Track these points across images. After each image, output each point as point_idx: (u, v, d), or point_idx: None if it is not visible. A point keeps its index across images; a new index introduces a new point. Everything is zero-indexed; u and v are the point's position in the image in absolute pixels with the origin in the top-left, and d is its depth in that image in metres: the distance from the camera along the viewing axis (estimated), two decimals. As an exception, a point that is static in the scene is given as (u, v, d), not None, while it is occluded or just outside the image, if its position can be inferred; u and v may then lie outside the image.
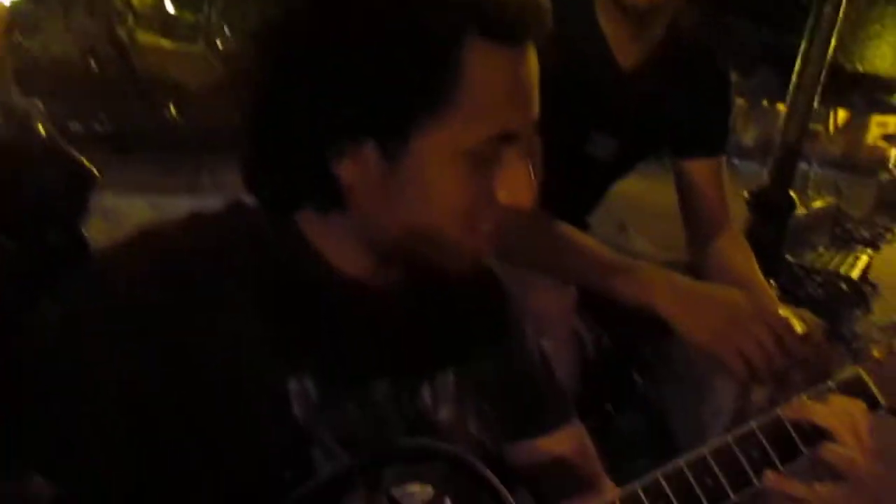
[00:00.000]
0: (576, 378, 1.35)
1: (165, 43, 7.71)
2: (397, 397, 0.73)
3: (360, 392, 0.71)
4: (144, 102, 5.99)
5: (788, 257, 4.67)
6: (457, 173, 0.65)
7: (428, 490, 0.68)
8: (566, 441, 0.85)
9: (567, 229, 1.26)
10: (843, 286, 5.12)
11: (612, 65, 1.34)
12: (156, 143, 5.30)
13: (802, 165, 5.69)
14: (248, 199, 0.72)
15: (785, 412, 0.74)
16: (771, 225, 3.62)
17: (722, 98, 1.48)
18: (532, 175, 0.68)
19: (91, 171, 1.08)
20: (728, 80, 1.49)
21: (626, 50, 1.34)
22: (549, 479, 0.85)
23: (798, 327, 1.05)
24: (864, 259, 6.13)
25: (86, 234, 1.07)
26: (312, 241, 0.71)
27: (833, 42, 3.65)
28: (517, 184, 0.67)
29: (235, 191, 0.72)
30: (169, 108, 6.01)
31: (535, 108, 0.68)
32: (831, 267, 5.50)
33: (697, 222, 1.46)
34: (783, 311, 1.08)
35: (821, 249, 6.25)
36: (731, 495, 0.72)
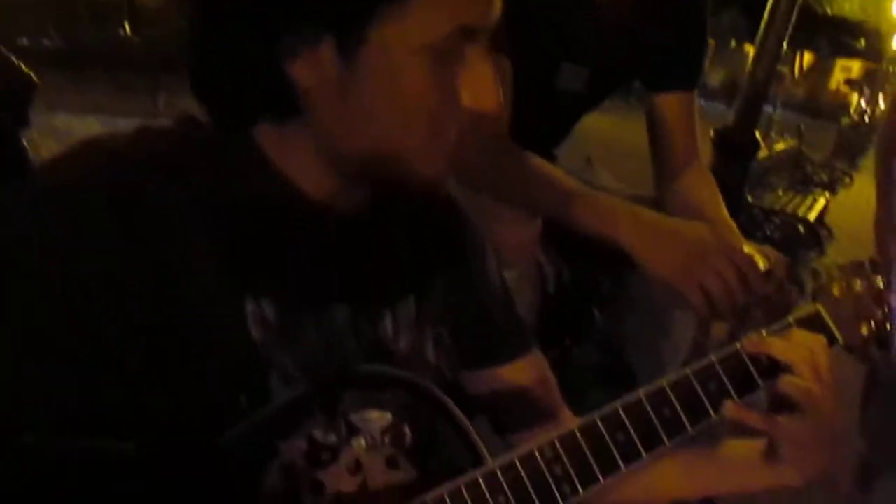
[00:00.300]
0: (536, 310, 1.36)
1: (120, -44, 7.32)
2: (357, 323, 0.71)
3: (319, 317, 0.69)
4: (97, 18, 5.73)
5: (749, 198, 4.74)
6: (418, 70, 0.61)
7: (387, 417, 0.68)
8: (527, 371, 0.85)
9: (534, 159, 1.23)
10: (800, 228, 5.23)
11: None
12: (110, 61, 5.09)
13: (766, 108, 5.72)
14: (202, 116, 0.68)
15: (744, 346, 0.75)
16: (735, 165, 3.64)
17: (697, 31, 1.46)
18: (496, 77, 0.65)
19: (30, 78, 1.02)
20: (704, 12, 1.46)
21: None
22: (508, 407, 0.85)
23: (762, 264, 1.05)
24: (821, 202, 6.25)
25: (28, 148, 1.02)
26: (271, 158, 0.67)
27: (806, -18, 3.62)
28: (481, 85, 0.64)
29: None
30: (123, 26, 5.76)
31: (497, 3, 0.65)
32: (789, 209, 5.60)
33: (666, 157, 1.45)
34: (747, 248, 1.08)
35: (780, 191, 6.35)
36: (689, 427, 0.72)
